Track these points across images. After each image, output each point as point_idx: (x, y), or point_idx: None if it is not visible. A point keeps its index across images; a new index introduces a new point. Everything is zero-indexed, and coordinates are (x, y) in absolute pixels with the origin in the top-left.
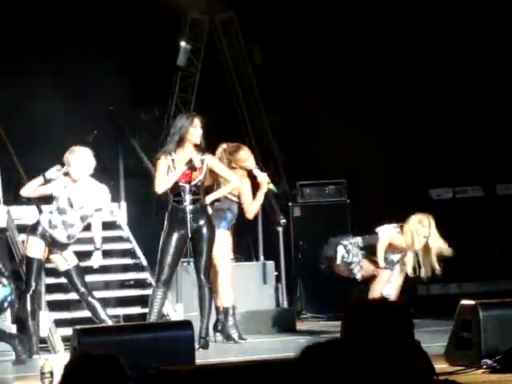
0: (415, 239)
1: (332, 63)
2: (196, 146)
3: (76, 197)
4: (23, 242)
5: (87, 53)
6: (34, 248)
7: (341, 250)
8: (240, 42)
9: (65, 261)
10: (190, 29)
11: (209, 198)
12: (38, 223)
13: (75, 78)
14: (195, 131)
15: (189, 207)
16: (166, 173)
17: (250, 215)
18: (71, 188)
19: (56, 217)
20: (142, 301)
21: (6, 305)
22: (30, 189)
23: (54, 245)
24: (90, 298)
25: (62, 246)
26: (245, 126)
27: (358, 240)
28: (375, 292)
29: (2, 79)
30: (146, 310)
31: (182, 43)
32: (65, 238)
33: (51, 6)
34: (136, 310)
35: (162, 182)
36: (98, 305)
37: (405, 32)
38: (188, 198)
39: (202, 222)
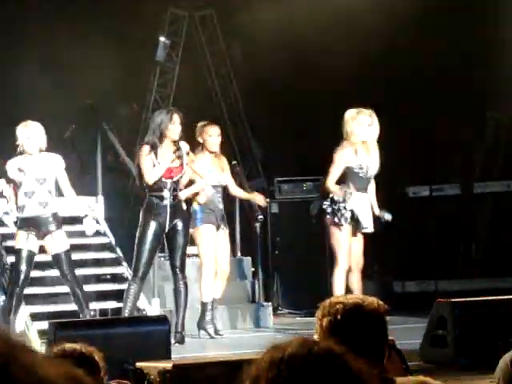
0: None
1: (311, 59)
2: (174, 141)
3: (28, 166)
4: None
5: (66, 45)
6: (22, 240)
7: (326, 203)
8: (219, 39)
9: (55, 244)
10: (169, 24)
11: (182, 195)
12: (19, 220)
13: (54, 72)
14: (174, 128)
15: (169, 203)
16: (152, 165)
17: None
18: (24, 162)
19: (20, 197)
20: (119, 295)
21: None
22: None
23: (37, 226)
24: (76, 287)
25: (47, 225)
26: (223, 122)
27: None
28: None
29: None
30: (121, 305)
31: (161, 38)
32: (37, 208)
33: None
34: (112, 304)
35: (153, 173)
36: (82, 296)
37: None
38: (168, 193)
39: (179, 218)
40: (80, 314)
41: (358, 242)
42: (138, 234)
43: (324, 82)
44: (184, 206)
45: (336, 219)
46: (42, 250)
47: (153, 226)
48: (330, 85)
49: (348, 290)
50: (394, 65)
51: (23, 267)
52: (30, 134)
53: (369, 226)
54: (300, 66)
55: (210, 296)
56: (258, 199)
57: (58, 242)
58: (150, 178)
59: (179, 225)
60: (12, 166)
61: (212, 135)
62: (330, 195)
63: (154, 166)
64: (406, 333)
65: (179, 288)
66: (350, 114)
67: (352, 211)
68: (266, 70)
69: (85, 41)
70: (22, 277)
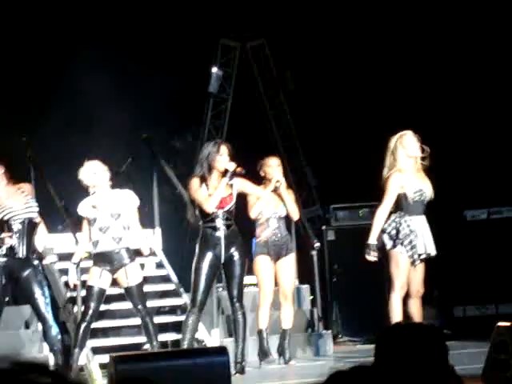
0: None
1: (364, 88)
2: (223, 173)
3: (102, 202)
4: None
5: (120, 80)
6: (95, 276)
7: (385, 237)
8: (271, 68)
9: (126, 278)
10: (221, 55)
11: (253, 213)
12: (93, 255)
13: (109, 106)
14: (222, 159)
15: (223, 233)
16: (207, 195)
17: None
18: (96, 199)
19: (92, 233)
20: (178, 327)
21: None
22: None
23: (111, 262)
24: (147, 319)
25: (120, 259)
26: (278, 151)
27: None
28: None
29: (35, 107)
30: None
31: (214, 69)
32: (111, 243)
33: (83, 33)
34: (172, 336)
35: (211, 201)
36: (152, 327)
37: (437, 54)
38: (221, 223)
39: (234, 248)
40: (149, 346)
41: (418, 268)
42: (193, 266)
43: (376, 108)
44: (240, 236)
45: (394, 245)
46: (114, 282)
47: (208, 256)
48: (382, 111)
49: (407, 317)
50: (446, 85)
51: (93, 304)
52: (94, 169)
53: (430, 251)
54: (352, 93)
55: (261, 324)
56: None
57: (131, 275)
58: (210, 205)
59: (235, 255)
60: (84, 205)
61: (271, 166)
62: (388, 222)
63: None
64: (468, 358)
65: (237, 318)
66: (394, 141)
67: (410, 240)
68: (318, 97)
69: (138, 74)
70: (91, 313)
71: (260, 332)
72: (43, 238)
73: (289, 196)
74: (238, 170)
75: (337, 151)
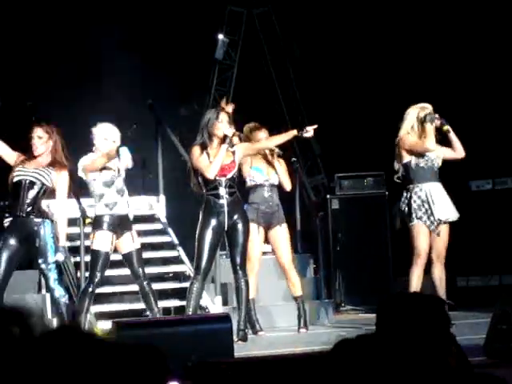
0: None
1: (371, 55)
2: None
3: (112, 163)
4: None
5: (125, 48)
6: (101, 241)
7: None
8: (277, 36)
9: (131, 241)
10: (227, 22)
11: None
12: (100, 217)
13: (115, 73)
14: (221, 125)
15: (226, 200)
16: (209, 162)
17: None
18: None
19: (108, 195)
20: (181, 293)
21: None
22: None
23: (122, 225)
24: (145, 285)
25: (129, 224)
26: (283, 119)
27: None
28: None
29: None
30: (184, 303)
31: (220, 36)
32: (125, 206)
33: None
34: (175, 302)
35: (212, 168)
36: (152, 294)
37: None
38: (224, 191)
39: (237, 215)
40: (149, 313)
41: (441, 233)
42: (197, 233)
43: (384, 77)
44: (241, 204)
45: (411, 216)
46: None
47: (212, 224)
48: (389, 79)
49: (432, 283)
50: (455, 58)
51: (100, 268)
52: (107, 134)
53: (449, 216)
54: (359, 61)
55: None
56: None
57: (135, 239)
58: (211, 172)
59: (238, 222)
60: (86, 161)
61: (260, 140)
62: (401, 200)
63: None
64: (470, 328)
65: (240, 286)
66: (413, 111)
67: (426, 208)
68: (324, 65)
69: (147, 42)
70: (98, 277)
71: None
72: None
73: (281, 167)
74: (237, 133)
75: (342, 120)
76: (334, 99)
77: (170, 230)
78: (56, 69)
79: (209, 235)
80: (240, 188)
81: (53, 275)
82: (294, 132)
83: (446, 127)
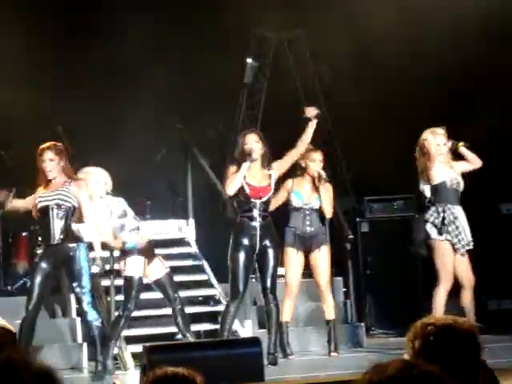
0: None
1: (400, 80)
2: (263, 162)
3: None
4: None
5: (153, 73)
6: (133, 267)
7: (429, 227)
8: (307, 61)
9: (161, 266)
10: (256, 46)
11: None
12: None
13: (141, 97)
14: (246, 147)
15: (259, 223)
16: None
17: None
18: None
19: (130, 222)
20: (211, 317)
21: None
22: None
23: (149, 250)
24: (178, 309)
25: (153, 249)
26: (312, 143)
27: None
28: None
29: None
30: (214, 327)
31: (249, 60)
32: (149, 231)
33: (118, 24)
34: (205, 326)
35: (231, 184)
36: (184, 318)
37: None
38: (258, 213)
39: (268, 239)
40: (182, 336)
41: (465, 257)
42: (230, 256)
43: (414, 99)
44: (274, 228)
45: (440, 233)
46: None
47: (244, 246)
48: (418, 101)
49: (461, 309)
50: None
51: (134, 295)
52: (98, 178)
53: (470, 242)
54: (385, 86)
55: (285, 315)
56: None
57: (161, 265)
58: (229, 189)
59: (269, 246)
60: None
61: (315, 160)
62: (429, 212)
63: (247, 185)
64: (502, 351)
65: (270, 310)
66: (427, 136)
67: (456, 226)
68: (353, 90)
69: (174, 65)
70: (133, 305)
71: (281, 325)
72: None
73: (326, 193)
74: (251, 149)
75: (372, 143)
76: (364, 122)
77: (199, 254)
78: (83, 91)
79: (242, 257)
80: (283, 211)
81: (86, 298)
82: (310, 122)
83: (461, 143)
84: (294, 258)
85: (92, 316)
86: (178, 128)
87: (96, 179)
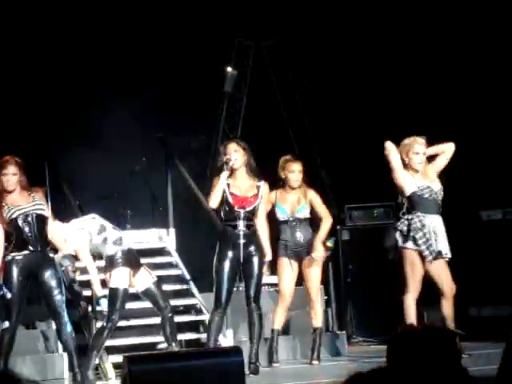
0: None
1: (379, 88)
2: (250, 173)
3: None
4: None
5: (135, 79)
6: (118, 278)
7: (397, 234)
8: (286, 68)
9: (148, 276)
10: (236, 55)
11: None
12: (112, 256)
13: (122, 105)
14: (230, 157)
15: (242, 232)
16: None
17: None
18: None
19: (109, 234)
20: (192, 327)
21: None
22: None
23: (134, 260)
24: (169, 316)
25: (138, 259)
26: (292, 150)
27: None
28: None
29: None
30: (195, 336)
31: (229, 69)
32: (131, 241)
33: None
34: (186, 336)
35: (212, 196)
36: (172, 327)
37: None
38: (242, 223)
39: (252, 247)
40: (168, 345)
41: (441, 265)
42: (214, 265)
43: (393, 107)
44: (259, 237)
45: (405, 240)
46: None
47: (229, 255)
48: (399, 109)
49: (441, 318)
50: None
51: (119, 306)
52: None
53: (446, 251)
54: (368, 90)
55: (276, 323)
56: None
57: (148, 273)
58: (210, 201)
59: (253, 254)
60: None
61: (293, 171)
62: (400, 220)
63: (231, 194)
64: (483, 359)
65: (253, 319)
66: (405, 144)
67: (423, 233)
68: (333, 95)
69: (153, 74)
70: (117, 317)
71: (272, 331)
72: (67, 235)
73: (317, 198)
74: (228, 157)
75: (351, 151)
76: (343, 129)
77: (180, 263)
78: (64, 100)
79: (226, 267)
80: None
81: (65, 309)
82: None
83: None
84: (286, 267)
85: (70, 328)
86: (159, 137)
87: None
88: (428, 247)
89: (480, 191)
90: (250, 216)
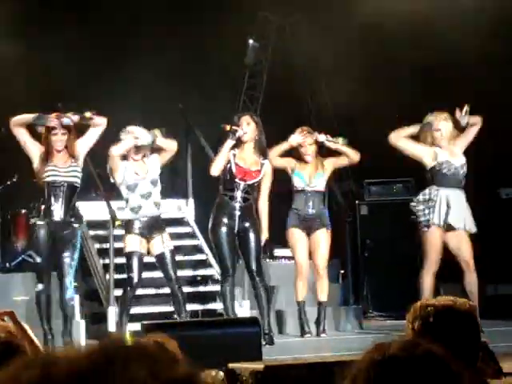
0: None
1: (400, 63)
2: (255, 147)
3: (141, 168)
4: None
5: (158, 52)
6: (132, 244)
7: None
8: (308, 43)
9: (162, 243)
10: (258, 27)
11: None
12: (128, 221)
13: (144, 76)
14: (237, 128)
15: (239, 204)
16: (226, 163)
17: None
18: (133, 165)
19: (132, 199)
20: (209, 297)
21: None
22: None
23: (151, 228)
24: (177, 288)
25: (158, 226)
26: (311, 126)
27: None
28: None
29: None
30: (213, 307)
31: (250, 41)
32: (153, 209)
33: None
34: (203, 306)
35: (215, 163)
36: (181, 297)
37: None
38: (240, 195)
39: (249, 223)
40: (177, 316)
41: (459, 240)
42: (211, 235)
43: (415, 82)
44: (254, 214)
45: (424, 218)
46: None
47: (224, 223)
48: (421, 84)
49: (465, 292)
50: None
51: (136, 270)
52: (138, 133)
53: (462, 225)
54: (388, 66)
55: (299, 295)
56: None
57: (167, 241)
58: (212, 168)
59: (249, 229)
60: (122, 170)
61: (303, 146)
62: (417, 196)
63: (235, 165)
64: (499, 336)
65: (260, 293)
66: (427, 121)
67: (442, 209)
68: (356, 72)
69: (176, 46)
70: (137, 280)
71: (298, 304)
72: None
73: (337, 159)
74: (233, 128)
75: (372, 125)
76: (363, 106)
77: (198, 233)
78: (83, 68)
79: (224, 235)
80: (287, 192)
81: (71, 275)
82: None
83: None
84: (300, 238)
85: (70, 294)
86: (180, 108)
87: (134, 135)
88: (443, 220)
89: (499, 169)
90: (249, 190)
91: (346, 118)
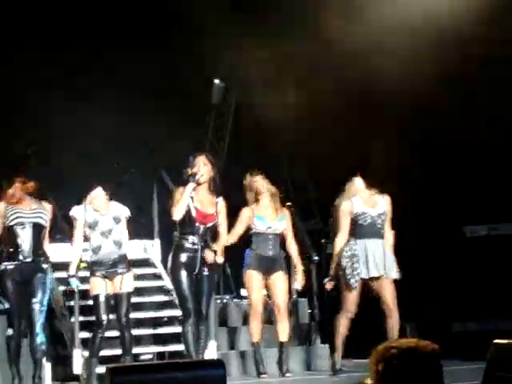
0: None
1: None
2: (211, 189)
3: (102, 206)
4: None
5: (125, 92)
6: (97, 286)
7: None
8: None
9: (120, 284)
10: (223, 68)
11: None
12: (90, 263)
13: (113, 117)
14: (197, 171)
15: (199, 247)
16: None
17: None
18: (95, 204)
19: (94, 237)
20: (175, 338)
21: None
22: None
23: (111, 267)
24: (126, 330)
25: (120, 266)
26: (279, 163)
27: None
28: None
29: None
30: (179, 348)
31: (216, 81)
32: (113, 247)
33: (91, 45)
34: (169, 347)
35: (177, 208)
36: (129, 339)
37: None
38: (198, 239)
39: (207, 267)
40: (123, 358)
41: (380, 286)
42: (171, 277)
43: (373, 125)
44: (212, 256)
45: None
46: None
47: (184, 264)
48: (381, 125)
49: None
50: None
51: (103, 312)
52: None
53: (384, 273)
54: (351, 103)
55: (255, 336)
56: (298, 280)
57: (126, 282)
58: (174, 213)
59: (207, 272)
60: (82, 208)
61: (257, 180)
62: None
63: (195, 208)
64: (466, 374)
65: (200, 334)
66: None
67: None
68: (320, 109)
69: (144, 85)
70: (105, 322)
71: (252, 345)
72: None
73: (288, 217)
74: (193, 171)
75: (337, 164)
76: (328, 144)
77: (164, 274)
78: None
79: (184, 276)
80: (245, 234)
81: (41, 319)
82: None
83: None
84: (256, 279)
85: (41, 339)
86: (151, 147)
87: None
88: (356, 274)
89: (464, 207)
90: (208, 232)
91: (312, 154)
